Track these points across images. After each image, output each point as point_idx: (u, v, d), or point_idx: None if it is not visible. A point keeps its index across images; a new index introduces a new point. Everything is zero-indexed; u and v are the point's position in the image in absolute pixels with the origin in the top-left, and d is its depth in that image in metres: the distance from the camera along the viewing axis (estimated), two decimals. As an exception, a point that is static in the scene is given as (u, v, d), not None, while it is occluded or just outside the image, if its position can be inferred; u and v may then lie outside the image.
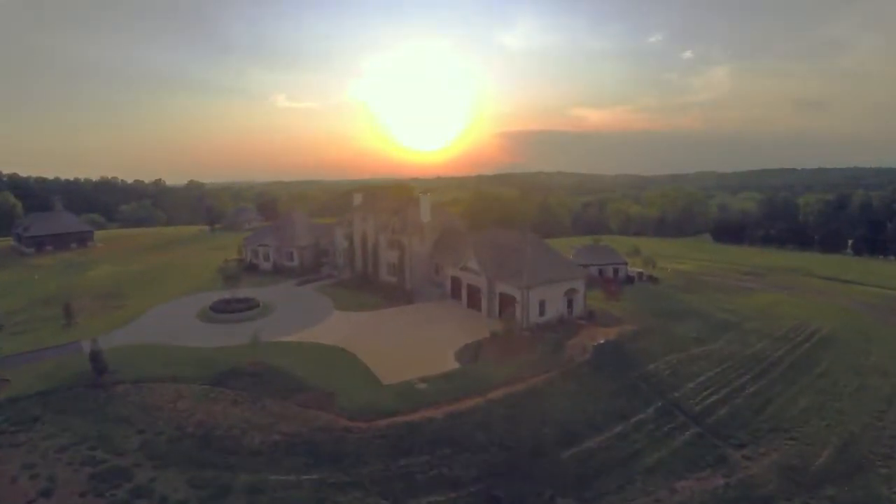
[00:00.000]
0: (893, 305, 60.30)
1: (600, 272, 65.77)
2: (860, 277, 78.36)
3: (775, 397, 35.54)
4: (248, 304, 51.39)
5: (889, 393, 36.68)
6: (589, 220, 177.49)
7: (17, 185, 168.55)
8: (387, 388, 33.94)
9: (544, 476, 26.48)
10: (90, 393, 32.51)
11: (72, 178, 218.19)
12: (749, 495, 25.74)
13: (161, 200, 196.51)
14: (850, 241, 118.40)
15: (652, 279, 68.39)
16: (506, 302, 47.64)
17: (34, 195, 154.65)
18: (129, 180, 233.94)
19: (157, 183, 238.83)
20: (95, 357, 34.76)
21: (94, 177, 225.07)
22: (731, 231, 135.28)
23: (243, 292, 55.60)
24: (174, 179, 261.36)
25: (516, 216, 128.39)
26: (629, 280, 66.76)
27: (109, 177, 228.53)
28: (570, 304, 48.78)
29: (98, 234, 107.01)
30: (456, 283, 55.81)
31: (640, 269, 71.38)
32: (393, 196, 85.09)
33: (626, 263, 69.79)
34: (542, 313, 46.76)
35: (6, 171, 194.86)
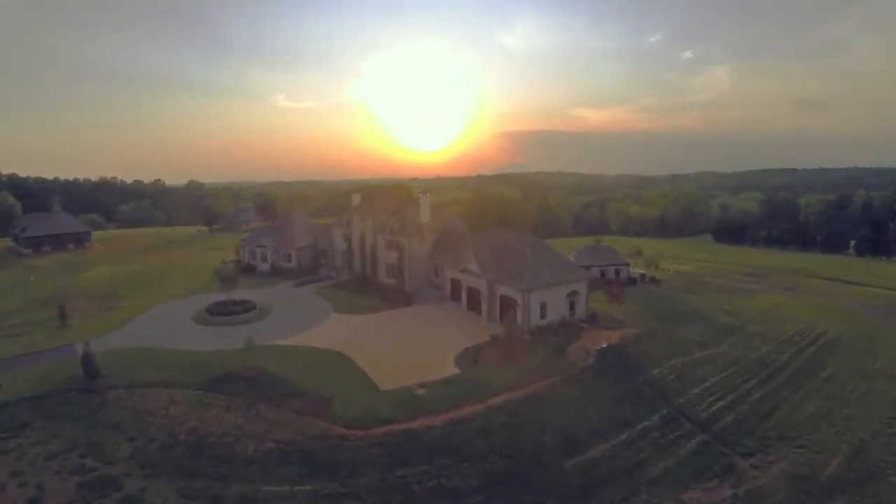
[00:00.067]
0: (898, 307, 59.54)
1: (602, 273, 64.98)
2: (863, 278, 77.66)
3: (782, 403, 34.79)
4: (245, 307, 50.66)
5: (897, 398, 35.91)
6: (590, 220, 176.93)
7: (16, 186, 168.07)
8: (384, 394, 33.14)
9: (546, 486, 25.73)
10: (82, 398, 31.89)
11: (71, 179, 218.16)
12: (758, 506, 25.00)
13: (160, 201, 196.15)
14: (852, 242, 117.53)
15: (654, 280, 67.65)
16: (506, 304, 46.86)
17: (33, 195, 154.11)
18: (129, 180, 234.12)
19: (157, 183, 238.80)
20: (87, 361, 34.03)
21: (94, 177, 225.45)
22: (732, 231, 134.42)
23: (240, 294, 54.91)
24: (174, 179, 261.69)
25: (517, 216, 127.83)
26: (631, 281, 65.99)
27: (109, 177, 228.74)
28: (571, 306, 48.02)
29: (96, 234, 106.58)
30: (456, 285, 55.07)
31: (642, 271, 70.62)
32: (392, 196, 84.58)
33: (627, 264, 69.02)
34: (543, 316, 46.00)
35: (5, 171, 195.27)
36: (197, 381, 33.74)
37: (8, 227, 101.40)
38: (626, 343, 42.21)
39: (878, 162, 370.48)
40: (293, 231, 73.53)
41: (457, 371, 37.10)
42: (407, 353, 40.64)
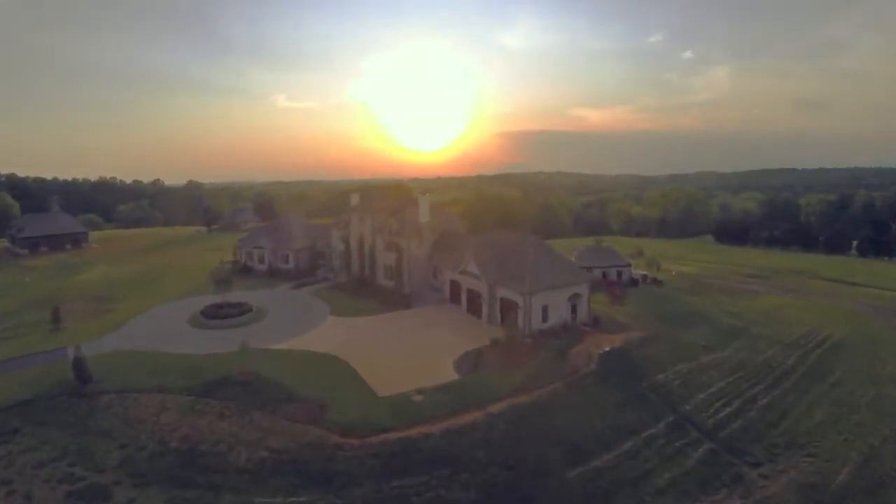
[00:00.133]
0: (903, 308, 58.75)
1: (604, 275, 64.11)
2: (866, 279, 76.93)
3: (790, 409, 33.97)
4: (241, 309, 49.78)
5: (907, 403, 35.14)
6: (590, 220, 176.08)
7: (15, 186, 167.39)
8: (381, 401, 32.21)
9: (549, 498, 24.88)
10: (73, 403, 31.16)
11: (70, 179, 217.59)
12: (767, 518, 24.26)
13: (159, 201, 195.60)
14: (854, 243, 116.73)
15: (656, 282, 66.81)
16: (507, 307, 45.99)
17: (32, 195, 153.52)
18: (128, 180, 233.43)
19: (156, 183, 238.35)
20: (79, 365, 33.34)
21: (93, 177, 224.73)
22: (733, 232, 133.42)
23: (236, 296, 54.13)
24: (173, 180, 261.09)
25: (517, 216, 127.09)
26: (633, 283, 65.12)
27: (108, 177, 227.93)
28: (574, 309, 47.16)
29: (94, 234, 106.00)
30: (455, 287, 54.21)
31: (643, 272, 69.78)
32: (391, 196, 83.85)
33: (629, 265, 68.17)
34: (544, 319, 45.14)
35: (4, 171, 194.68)
36: (190, 386, 32.93)
37: (5, 228, 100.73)
38: (630, 347, 41.27)
39: (878, 162, 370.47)
40: (291, 232, 72.67)
41: (456, 376, 36.17)
42: (405, 357, 39.76)
